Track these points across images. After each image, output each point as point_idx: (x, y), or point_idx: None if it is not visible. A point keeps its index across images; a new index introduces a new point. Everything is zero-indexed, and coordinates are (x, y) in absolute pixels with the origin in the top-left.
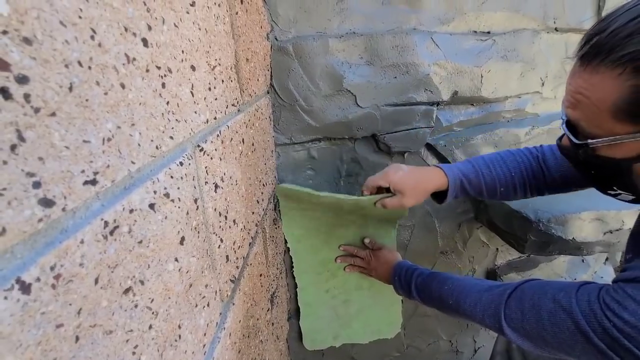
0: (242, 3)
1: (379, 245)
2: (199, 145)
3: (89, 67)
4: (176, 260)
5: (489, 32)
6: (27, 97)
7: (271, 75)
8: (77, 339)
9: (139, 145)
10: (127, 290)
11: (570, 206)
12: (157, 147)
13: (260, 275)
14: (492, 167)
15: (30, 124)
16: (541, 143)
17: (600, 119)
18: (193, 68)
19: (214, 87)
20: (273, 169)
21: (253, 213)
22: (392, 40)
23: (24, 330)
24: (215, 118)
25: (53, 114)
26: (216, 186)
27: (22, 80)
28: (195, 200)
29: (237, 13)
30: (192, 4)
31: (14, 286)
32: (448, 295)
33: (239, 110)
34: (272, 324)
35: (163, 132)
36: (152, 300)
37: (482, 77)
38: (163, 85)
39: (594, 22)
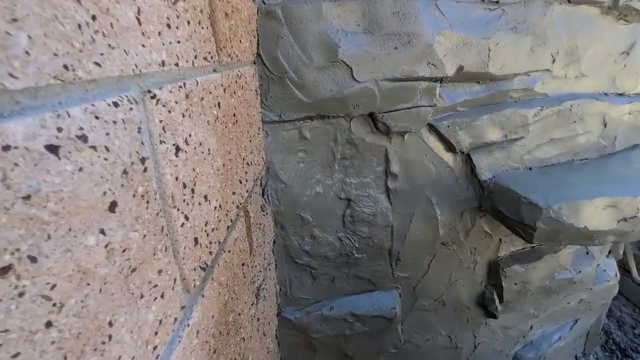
0: None
1: None
2: (150, 91)
3: None
4: (102, 232)
5: (497, 2)
6: None
7: (258, 43)
8: None
9: (27, 54)
10: (4, 270)
11: (582, 191)
12: (67, 69)
13: (243, 264)
14: None
15: None
16: (551, 125)
17: None
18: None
19: (176, 27)
20: (260, 149)
21: (234, 193)
22: (392, 5)
23: None
24: (177, 64)
25: None
26: (177, 149)
27: None
28: (142, 160)
29: None
30: None
31: None
32: None
33: (214, 70)
34: (258, 319)
35: (81, 51)
36: (54, 286)
37: (489, 50)
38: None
39: None
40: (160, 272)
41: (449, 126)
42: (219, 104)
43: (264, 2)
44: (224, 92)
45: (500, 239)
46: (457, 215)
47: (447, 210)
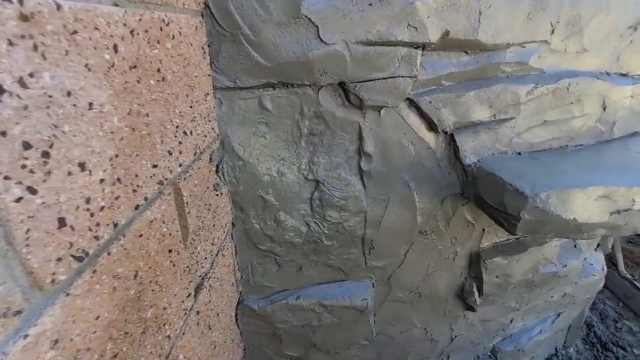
0: None
1: None
2: None
3: None
4: None
5: None
6: None
7: None
8: None
9: None
10: None
11: (573, 180)
12: None
13: (170, 251)
14: None
15: None
16: (545, 105)
17: None
18: None
19: None
20: (210, 118)
21: (155, 166)
22: None
23: None
24: None
25: None
26: (1, 90)
27: None
28: None
29: None
30: None
31: None
32: None
33: (115, 4)
34: (198, 312)
35: None
36: None
37: (480, 13)
38: None
39: None
40: None
41: (431, 102)
42: (115, 46)
43: None
44: (131, 34)
45: (484, 229)
46: (438, 202)
47: (427, 196)
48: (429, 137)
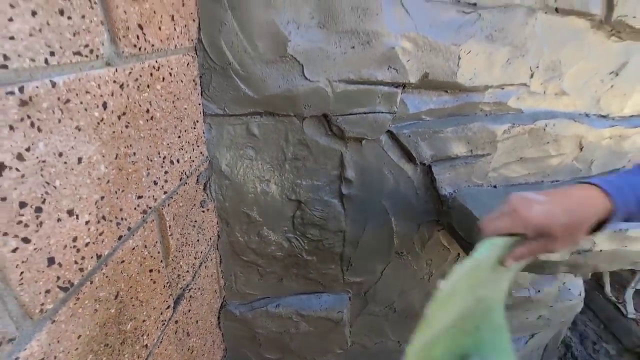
0: None
1: None
2: None
3: None
4: None
5: (474, 4)
6: None
7: (199, 28)
8: None
9: None
10: None
11: None
12: None
13: (150, 271)
14: None
15: None
16: (522, 144)
17: None
18: None
19: (9, 20)
20: (197, 144)
21: (140, 197)
22: None
23: None
24: (4, 66)
25: None
26: (2, 167)
27: None
28: None
29: None
30: None
31: None
32: None
33: (108, 64)
34: (177, 321)
35: None
36: None
37: (459, 58)
38: None
39: (603, 7)
40: None
41: (410, 136)
42: (104, 104)
43: None
44: (121, 89)
45: (459, 253)
46: (414, 226)
47: (404, 221)
48: (408, 167)
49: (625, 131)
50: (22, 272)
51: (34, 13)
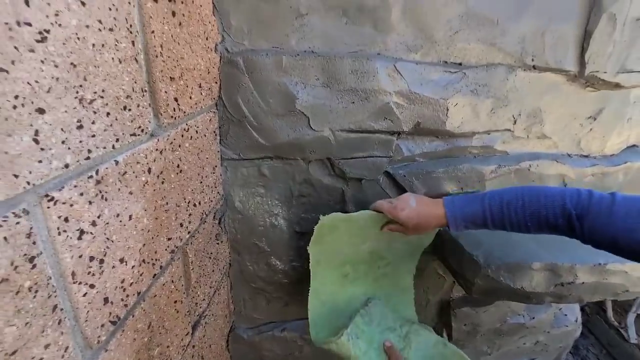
0: (173, 16)
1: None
2: (47, 195)
3: None
4: None
5: (460, 64)
6: None
7: (220, 88)
8: None
9: None
10: None
11: (524, 253)
12: None
13: (175, 302)
14: (507, 210)
15: None
16: (508, 182)
17: None
18: (41, 111)
19: (92, 123)
20: (216, 185)
21: (169, 239)
22: (352, 64)
23: None
24: (88, 157)
25: None
26: (82, 232)
27: None
28: (31, 259)
29: (153, 32)
30: (42, 39)
31: None
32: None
33: (151, 135)
34: (194, 346)
35: None
36: None
37: (447, 110)
38: None
39: (576, 64)
40: (47, 346)
41: (405, 175)
42: (149, 169)
43: (227, 50)
44: (161, 153)
45: (454, 282)
46: None
47: None
48: None
49: (607, 169)
50: (87, 312)
51: (107, 114)
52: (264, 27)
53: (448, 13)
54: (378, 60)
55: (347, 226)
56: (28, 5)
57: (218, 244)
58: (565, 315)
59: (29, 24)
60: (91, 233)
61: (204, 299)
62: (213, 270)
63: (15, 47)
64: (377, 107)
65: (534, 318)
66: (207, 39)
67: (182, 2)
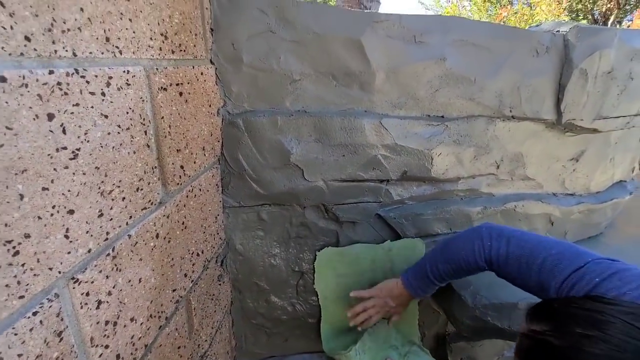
0: (180, 96)
1: None
2: (73, 278)
3: None
4: None
5: (442, 117)
6: None
7: (222, 145)
8: None
9: None
10: None
11: (510, 294)
12: None
13: (179, 348)
14: (442, 272)
15: None
16: (495, 222)
17: None
18: (71, 212)
19: (109, 210)
20: (218, 231)
21: (174, 291)
22: (341, 121)
23: None
24: (106, 239)
25: None
26: (99, 303)
27: None
28: (59, 334)
29: (162, 118)
30: (74, 157)
31: None
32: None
33: (160, 203)
34: None
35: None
36: None
37: (432, 159)
38: (16, 253)
39: (553, 113)
40: None
41: (395, 218)
42: (157, 234)
43: (228, 113)
44: (168, 218)
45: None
46: None
47: None
48: None
49: (594, 206)
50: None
51: (123, 199)
52: (261, 91)
53: (428, 75)
54: (365, 117)
55: (341, 259)
56: (65, 133)
57: (220, 284)
58: None
59: (65, 148)
60: (107, 302)
61: (206, 340)
62: (215, 311)
63: (55, 169)
64: (366, 160)
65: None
66: (210, 105)
67: (188, 83)
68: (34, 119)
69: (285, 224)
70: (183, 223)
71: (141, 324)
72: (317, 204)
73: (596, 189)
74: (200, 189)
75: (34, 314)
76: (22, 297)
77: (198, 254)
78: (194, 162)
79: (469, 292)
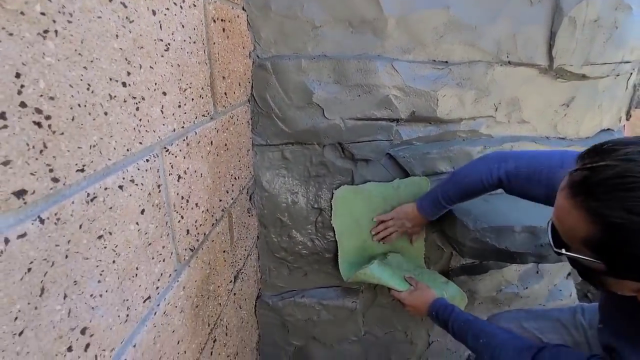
0: (223, 31)
1: (419, 284)
2: (165, 147)
3: (85, 105)
4: (137, 223)
5: (446, 62)
6: (49, 125)
7: (252, 87)
8: (66, 256)
9: (114, 149)
10: (100, 237)
11: (507, 218)
12: (127, 150)
13: (224, 251)
14: (452, 196)
15: (49, 139)
16: None
17: (573, 239)
18: (164, 93)
19: (184, 104)
20: (249, 166)
21: (220, 200)
22: (357, 64)
23: (42, 238)
24: (182, 127)
25: (62, 133)
26: (179, 177)
27: (48, 118)
28: (159, 186)
29: (214, 43)
30: (167, 49)
31: (36, 220)
32: (484, 349)
33: (211, 118)
34: (235, 294)
35: (134, 139)
36: (117, 246)
37: (437, 100)
38: (137, 109)
39: (545, 58)
40: (163, 247)
41: (404, 157)
42: (211, 142)
43: (258, 57)
44: (217, 132)
45: (452, 252)
46: None
47: None
48: None
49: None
50: (180, 235)
51: (192, 99)
52: (287, 37)
53: (434, 21)
54: (378, 61)
55: (356, 196)
56: (161, 29)
57: (249, 216)
58: (560, 290)
59: (162, 40)
60: (183, 179)
61: (240, 258)
62: (247, 237)
63: (157, 54)
64: (379, 99)
65: (526, 288)
66: (243, 47)
67: (229, 21)
68: (146, 11)
69: (306, 162)
70: (225, 145)
71: (202, 212)
72: (335, 143)
73: (585, 134)
74: (237, 119)
75: (146, 160)
76: (140, 143)
77: (236, 178)
78: (234, 93)
79: (470, 218)
